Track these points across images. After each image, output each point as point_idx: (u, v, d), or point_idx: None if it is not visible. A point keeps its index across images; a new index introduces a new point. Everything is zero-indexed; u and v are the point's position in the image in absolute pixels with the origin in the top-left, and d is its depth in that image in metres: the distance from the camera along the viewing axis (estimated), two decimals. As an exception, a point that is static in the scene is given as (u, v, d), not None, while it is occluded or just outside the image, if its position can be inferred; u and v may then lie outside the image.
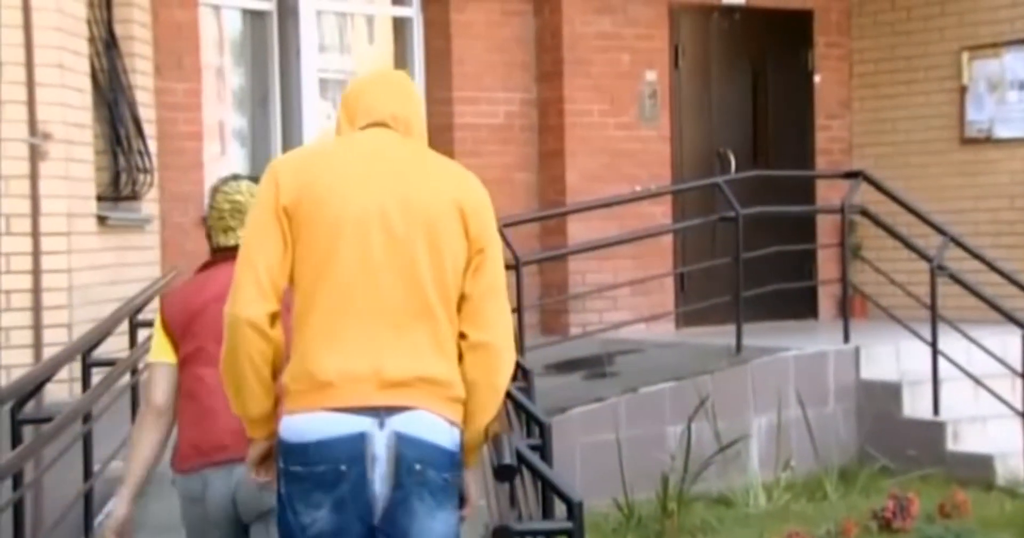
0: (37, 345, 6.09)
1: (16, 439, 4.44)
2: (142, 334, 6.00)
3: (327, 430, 2.77)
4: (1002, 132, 9.42)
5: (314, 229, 2.84)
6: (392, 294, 2.83)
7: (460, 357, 2.87)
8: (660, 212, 9.27)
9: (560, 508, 3.24)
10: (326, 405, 2.79)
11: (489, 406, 2.90)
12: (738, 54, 9.85)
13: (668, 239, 9.30)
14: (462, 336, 2.87)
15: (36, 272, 6.11)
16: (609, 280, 8.78)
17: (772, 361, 7.84)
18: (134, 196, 7.10)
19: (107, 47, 6.94)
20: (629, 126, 9.31)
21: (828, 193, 9.62)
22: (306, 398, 2.81)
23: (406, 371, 2.80)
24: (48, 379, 4.75)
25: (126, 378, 5.83)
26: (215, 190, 3.68)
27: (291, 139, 8.48)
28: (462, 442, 2.88)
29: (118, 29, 7.08)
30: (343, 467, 2.76)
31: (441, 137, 9.02)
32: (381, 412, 2.78)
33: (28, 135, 6.08)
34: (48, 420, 4.36)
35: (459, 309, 2.87)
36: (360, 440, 2.76)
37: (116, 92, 6.96)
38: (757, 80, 9.91)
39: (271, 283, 2.82)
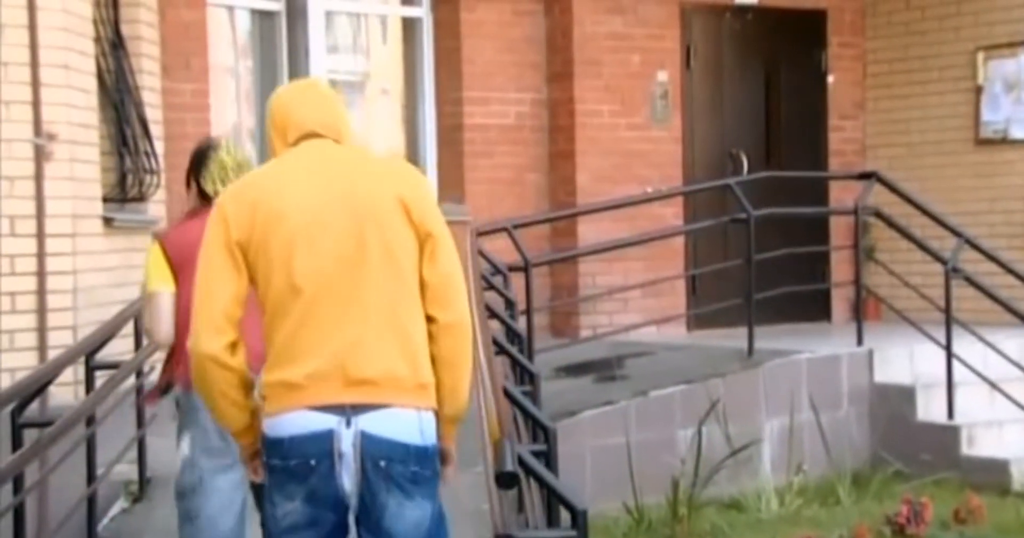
0: (42, 348, 6.05)
1: (17, 442, 4.39)
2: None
3: (299, 427, 2.99)
4: (1018, 133, 9.33)
5: (269, 251, 3.04)
6: (349, 297, 3.01)
7: (431, 337, 3.06)
8: (671, 213, 9.21)
9: (565, 514, 3.18)
10: (299, 404, 3.00)
11: (463, 379, 3.09)
12: (750, 54, 9.78)
13: (679, 241, 9.24)
14: (431, 319, 3.06)
15: (41, 274, 6.07)
16: (620, 282, 8.72)
17: (784, 364, 7.78)
18: (141, 197, 7.05)
19: (113, 47, 6.90)
20: (640, 127, 9.25)
21: (841, 195, 9.55)
22: (281, 401, 3.02)
23: (369, 368, 2.99)
24: (50, 382, 4.70)
25: (131, 381, 5.79)
26: (212, 148, 4.24)
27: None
28: (438, 424, 3.07)
29: (125, 29, 7.03)
30: (312, 462, 2.97)
31: (451, 138, 8.99)
32: (348, 410, 2.98)
33: (33, 136, 6.04)
34: (49, 424, 4.31)
35: (423, 294, 3.06)
36: (328, 437, 2.97)
37: (122, 93, 6.91)
38: (770, 80, 9.84)
39: (225, 317, 3.04)
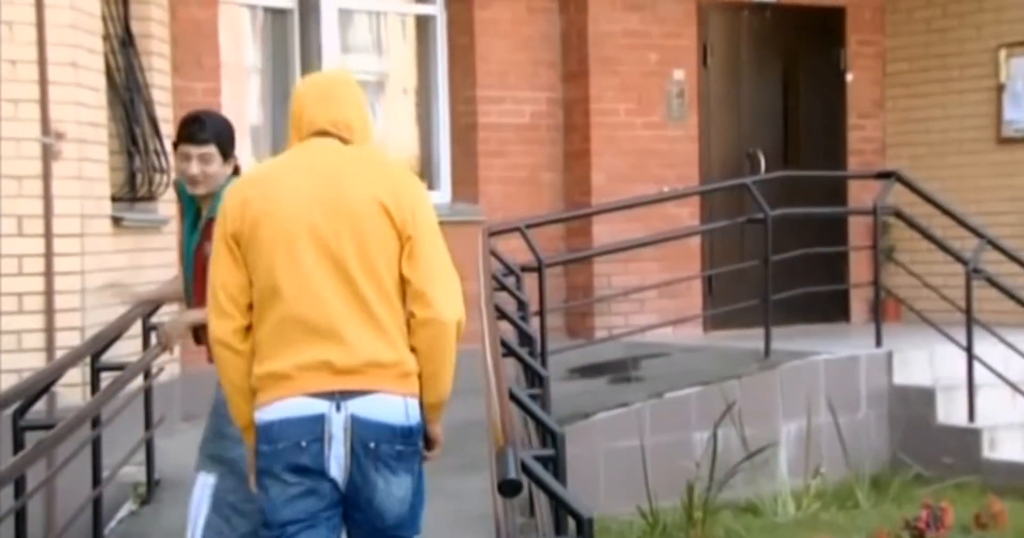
0: (50, 349, 5.99)
1: (19, 445, 4.34)
2: (155, 337, 5.89)
3: (290, 411, 3.17)
4: (1040, 131, 9.23)
5: (256, 249, 3.23)
6: (329, 296, 3.18)
7: (410, 329, 3.22)
8: (687, 213, 9.13)
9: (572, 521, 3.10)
10: (289, 393, 3.17)
11: (443, 369, 3.26)
12: (768, 52, 9.68)
13: (696, 241, 9.16)
14: (412, 315, 3.22)
15: (48, 274, 6.00)
16: (635, 283, 8.64)
17: (802, 365, 7.72)
18: (151, 197, 6.98)
19: (123, 45, 6.83)
20: (656, 126, 9.16)
21: (860, 194, 9.46)
22: (271, 391, 3.20)
23: (353, 359, 3.17)
24: (52, 383, 4.65)
25: (139, 381, 5.73)
26: None
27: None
28: (422, 409, 3.26)
29: (135, 27, 6.97)
30: (303, 443, 3.15)
31: (465, 137, 8.91)
32: (337, 396, 3.16)
33: (41, 134, 5.98)
34: (51, 426, 4.25)
35: (405, 291, 3.22)
36: (319, 421, 3.15)
37: (132, 91, 6.85)
38: (788, 79, 9.75)
39: (230, 301, 3.23)
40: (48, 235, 6.01)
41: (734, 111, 9.60)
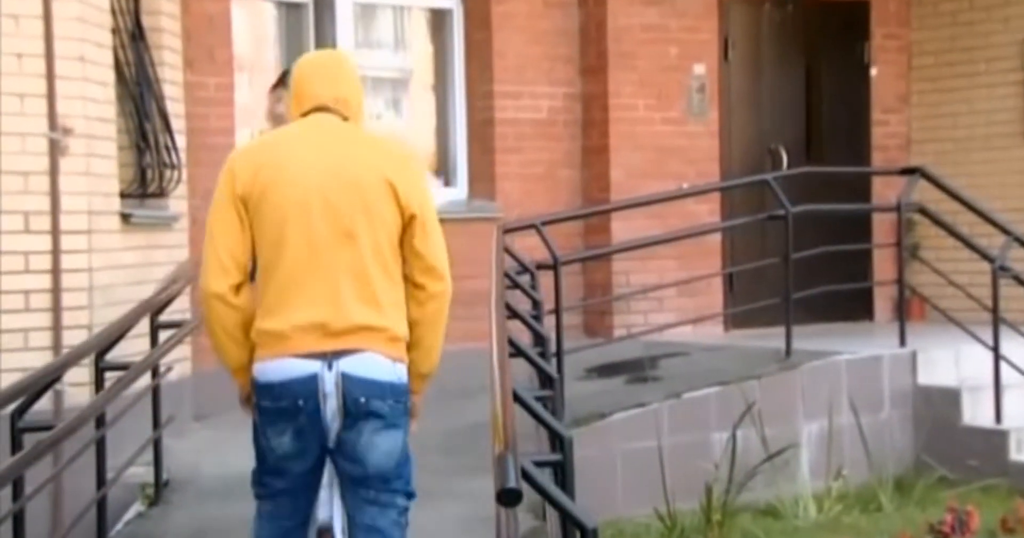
0: (56, 347, 5.91)
1: (17, 446, 4.25)
2: (163, 335, 5.81)
3: (287, 372, 3.40)
4: (1069, 126, 9.07)
5: (266, 212, 3.42)
6: (332, 262, 3.40)
7: (417, 302, 3.47)
8: (707, 210, 9.00)
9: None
10: (285, 352, 3.41)
11: (440, 338, 3.53)
12: (791, 46, 9.55)
13: (716, 238, 9.04)
14: (421, 286, 3.46)
15: (55, 272, 5.92)
16: (654, 280, 8.52)
17: (823, 365, 7.61)
18: (161, 193, 6.89)
19: (133, 39, 6.73)
20: (676, 121, 9.03)
21: (885, 191, 9.32)
22: (269, 348, 3.44)
23: (346, 322, 3.39)
24: (53, 382, 4.56)
25: (145, 380, 5.64)
26: None
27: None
28: (410, 377, 3.49)
29: (146, 20, 6.87)
30: (300, 402, 3.39)
31: (482, 132, 8.80)
32: (329, 356, 3.39)
33: (48, 130, 5.90)
34: (50, 427, 4.15)
35: (413, 264, 3.46)
36: (313, 380, 3.39)
37: (142, 86, 6.75)
38: (810, 73, 9.61)
39: (232, 259, 3.43)
40: (55, 232, 5.92)
41: (755, 106, 9.46)
